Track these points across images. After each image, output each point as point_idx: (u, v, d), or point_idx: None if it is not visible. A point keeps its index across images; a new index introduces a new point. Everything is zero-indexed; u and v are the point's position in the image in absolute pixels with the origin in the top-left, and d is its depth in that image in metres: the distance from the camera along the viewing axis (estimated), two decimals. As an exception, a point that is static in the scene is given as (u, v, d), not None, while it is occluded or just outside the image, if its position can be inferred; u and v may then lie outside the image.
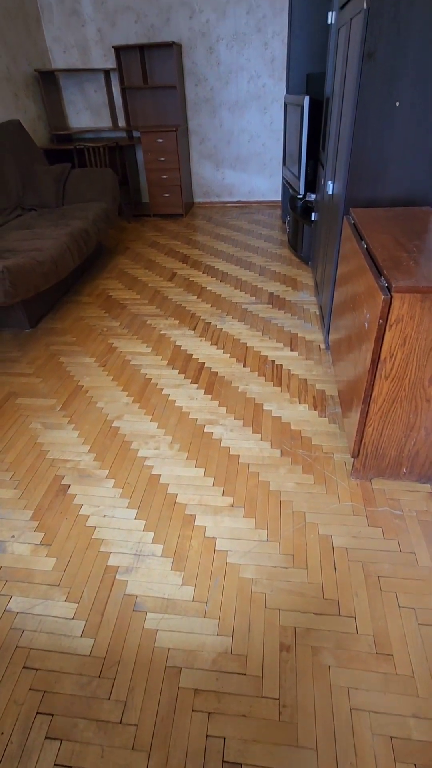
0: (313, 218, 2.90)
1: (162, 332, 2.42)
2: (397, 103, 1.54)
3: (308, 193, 3.00)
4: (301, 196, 3.03)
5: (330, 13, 2.31)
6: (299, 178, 2.97)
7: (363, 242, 1.43)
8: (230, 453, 1.62)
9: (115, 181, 3.34)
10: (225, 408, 1.84)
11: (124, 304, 2.75)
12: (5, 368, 2.15)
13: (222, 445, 1.65)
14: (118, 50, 3.89)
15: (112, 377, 2.05)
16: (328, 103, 2.34)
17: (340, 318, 1.76)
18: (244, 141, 4.43)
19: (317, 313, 2.55)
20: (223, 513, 1.40)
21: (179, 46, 3.94)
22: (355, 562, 1.25)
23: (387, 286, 1.13)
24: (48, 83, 4.04)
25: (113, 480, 1.52)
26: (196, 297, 2.81)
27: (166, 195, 4.26)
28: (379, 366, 1.24)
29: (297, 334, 2.36)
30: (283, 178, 3.71)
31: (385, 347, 1.20)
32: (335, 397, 1.88)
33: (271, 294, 2.80)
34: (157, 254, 3.53)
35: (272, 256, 3.39)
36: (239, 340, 2.32)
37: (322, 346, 2.24)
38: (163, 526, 1.36)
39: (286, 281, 2.97)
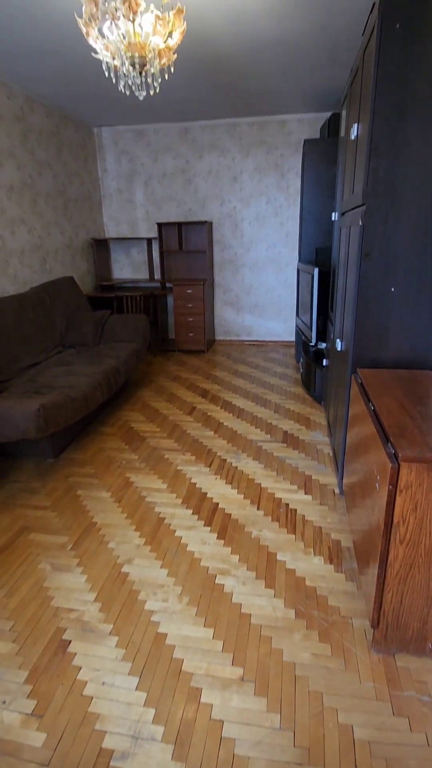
0: (324, 364, 3.16)
1: (179, 468, 2.48)
2: (393, 289, 1.82)
3: (319, 342, 3.31)
4: (313, 344, 3.34)
5: (333, 213, 2.87)
6: (311, 329, 3.32)
7: (370, 404, 1.56)
8: (241, 611, 1.53)
9: (147, 325, 3.79)
10: (237, 556, 1.80)
11: (144, 436, 2.89)
12: (24, 499, 2.20)
13: (233, 601, 1.57)
14: (161, 225, 4.76)
15: (126, 514, 2.06)
16: (335, 273, 2.75)
17: (352, 468, 1.81)
18: (262, 292, 5.06)
19: (330, 455, 2.61)
20: (233, 688, 1.27)
21: (210, 223, 4.80)
22: (379, 759, 1.09)
23: (394, 454, 1.20)
24: (100, 248, 4.87)
25: (117, 637, 1.44)
26: (213, 432, 2.93)
27: (191, 334, 4.74)
28: (393, 530, 1.24)
29: (311, 476, 2.39)
30: (297, 325, 4.13)
31: (396, 512, 1.22)
32: (351, 549, 1.82)
33: (286, 432, 2.91)
34: (178, 388, 3.79)
35: (287, 394, 3.60)
36: (254, 479, 2.36)
37: (336, 491, 2.25)
38: (166, 701, 1.24)
39: (300, 420, 3.10)
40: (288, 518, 2.04)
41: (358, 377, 1.85)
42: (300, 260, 4.06)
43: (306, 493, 2.23)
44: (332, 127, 3.67)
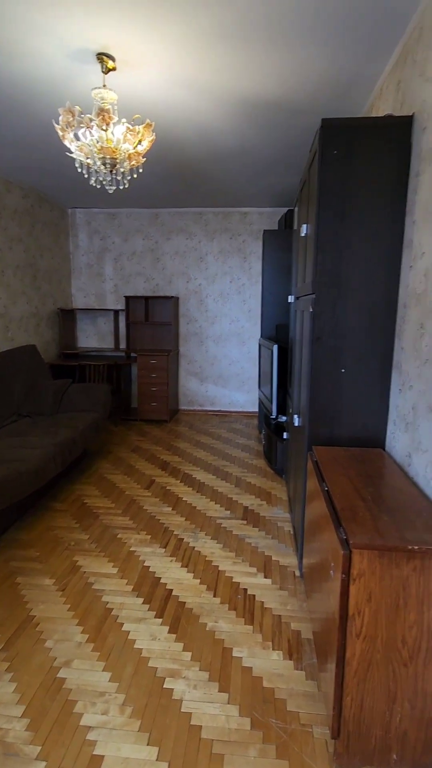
0: (284, 437, 3.19)
1: (132, 549, 2.33)
2: (343, 371, 1.91)
3: (280, 415, 3.37)
4: (273, 417, 3.40)
5: (289, 296, 3.08)
6: (272, 402, 3.39)
7: (324, 484, 1.56)
8: (191, 722, 1.37)
9: (108, 394, 3.76)
10: (190, 653, 1.64)
11: (98, 513, 2.73)
12: None
13: (183, 710, 1.41)
14: (128, 298, 4.93)
15: (69, 605, 1.87)
16: (292, 350, 2.88)
17: (310, 549, 1.76)
18: (225, 364, 5.20)
19: (291, 533, 2.54)
20: None
21: (177, 298, 5.02)
22: None
23: (346, 540, 1.18)
24: (67, 317, 4.94)
25: (44, 763, 1.23)
26: (171, 508, 2.82)
27: (154, 403, 4.73)
28: (348, 623, 1.19)
29: (271, 556, 2.30)
30: (259, 397, 4.22)
31: (351, 602, 1.18)
32: (312, 641, 1.71)
33: (246, 508, 2.84)
34: (138, 459, 3.69)
35: (248, 467, 3.57)
36: (211, 561, 2.24)
37: (297, 573, 2.16)
38: None
39: (261, 494, 3.05)
40: (246, 606, 1.91)
41: (313, 455, 1.87)
42: (262, 335, 4.26)
43: (266, 577, 2.12)
44: (288, 220, 4.07)
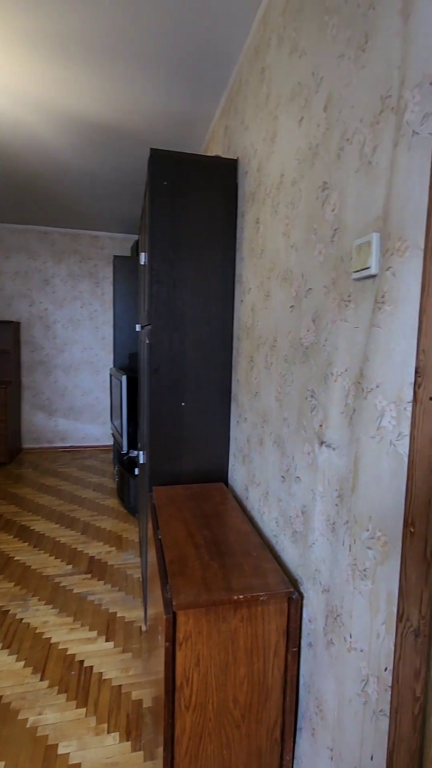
0: (136, 473, 3.01)
1: None
2: (183, 404, 1.84)
3: (131, 450, 3.19)
4: (125, 452, 3.19)
5: (136, 324, 2.98)
6: (122, 436, 3.19)
7: (158, 531, 1.42)
8: None
9: None
10: (3, 763, 1.30)
11: None
12: None
13: None
14: None
15: None
16: (140, 379, 2.75)
17: (151, 600, 1.59)
18: (77, 395, 4.81)
19: (140, 580, 2.34)
20: None
21: (17, 323, 4.49)
22: None
23: (170, 600, 1.05)
24: None
25: None
26: (-3, 572, 2.36)
27: (-10, 444, 4.07)
28: (177, 694, 1.05)
29: (116, 613, 2.05)
30: (111, 431, 3.96)
31: (178, 671, 1.04)
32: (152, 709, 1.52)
33: (92, 558, 2.54)
34: (-38, 513, 3.07)
35: (99, 509, 3.26)
36: (42, 634, 1.89)
37: (143, 627, 1.96)
38: None
39: (110, 539, 2.78)
40: (80, 683, 1.63)
41: (152, 497, 1.73)
42: (114, 365, 4.05)
43: (107, 640, 1.87)
44: (138, 248, 4.03)
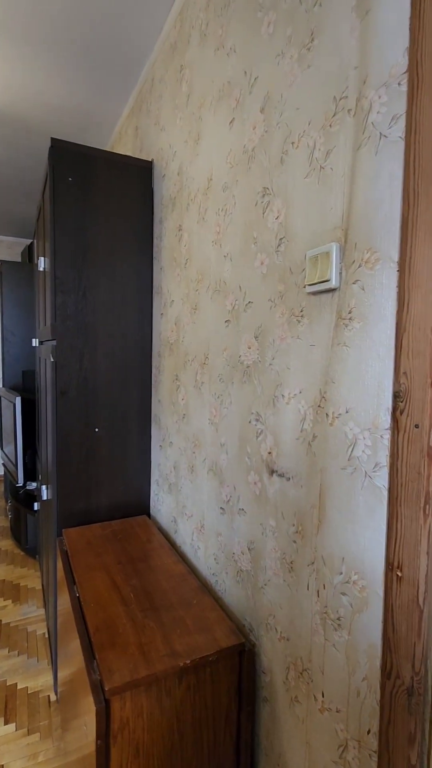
0: (35, 508, 2.62)
1: None
2: (96, 430, 1.62)
3: (28, 482, 2.78)
4: (21, 485, 2.77)
5: (33, 339, 2.62)
6: (17, 467, 2.77)
7: (75, 588, 1.18)
8: None
9: None
10: None
11: None
12: None
13: None
14: None
15: None
16: (40, 403, 2.41)
17: (64, 666, 1.32)
18: (-43, 420, 4.12)
19: (45, 636, 2.00)
20: None
21: None
22: None
23: (100, 682, 0.85)
24: None
25: None
26: None
27: None
28: (114, 803, 0.84)
29: (16, 684, 1.70)
30: (2, 461, 3.45)
31: (115, 771, 0.84)
32: (73, 807, 1.25)
33: (-18, 618, 2.11)
34: None
35: (-11, 553, 2.78)
36: None
37: (53, 697, 1.65)
38: None
39: (5, 591, 2.35)
40: (-29, 793, 1.28)
41: (63, 542, 1.47)
42: (3, 384, 3.55)
43: (7, 722, 1.53)
44: (32, 253, 3.62)
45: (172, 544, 1.50)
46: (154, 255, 1.67)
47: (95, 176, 1.55)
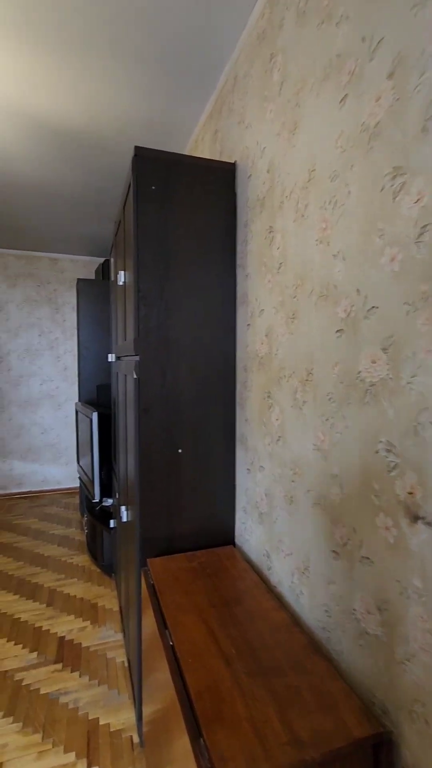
0: (111, 525, 2.59)
1: None
2: (180, 451, 1.51)
3: (104, 498, 2.77)
4: (96, 501, 2.76)
5: (110, 354, 2.62)
6: (93, 482, 2.76)
7: (168, 633, 1.06)
8: None
9: None
10: None
11: None
12: None
13: None
14: None
15: None
16: (116, 418, 2.38)
17: (151, 710, 1.20)
18: (36, 434, 4.30)
19: (125, 665, 1.91)
20: None
21: (-34, 354, 3.98)
22: None
23: (209, 762, 0.70)
24: None
25: None
26: None
27: None
28: None
29: (98, 719, 1.62)
30: (79, 476, 3.51)
31: None
32: None
33: (62, 640, 2.07)
34: None
35: (67, 569, 2.78)
36: (1, 765, 1.42)
37: (135, 737, 1.54)
38: None
39: (84, 611, 2.32)
40: None
41: (148, 574, 1.36)
42: (80, 398, 3.63)
43: (90, 764, 1.44)
44: (105, 271, 3.70)
45: (266, 582, 1.34)
46: (237, 262, 1.55)
47: (178, 183, 1.47)
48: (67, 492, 4.37)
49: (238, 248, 1.55)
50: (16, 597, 2.44)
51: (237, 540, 1.57)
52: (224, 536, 1.57)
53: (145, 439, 1.47)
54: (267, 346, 1.33)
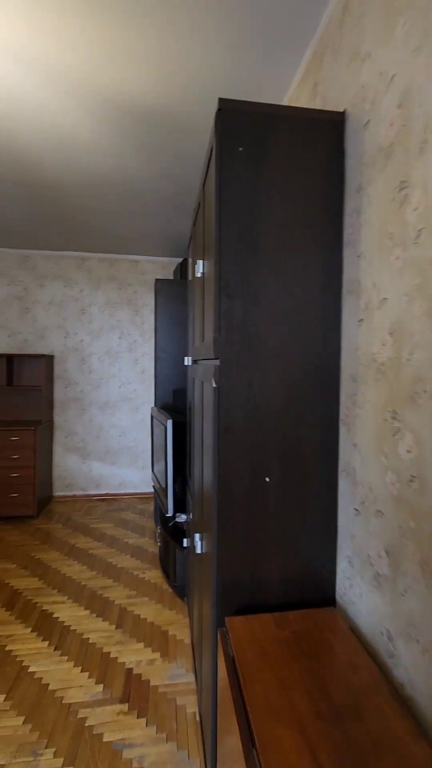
0: (185, 544, 2.36)
1: None
2: (267, 479, 1.20)
3: (178, 514, 2.55)
4: (170, 515, 2.56)
5: (186, 357, 2.40)
6: (167, 495, 2.56)
7: (254, 755, 0.75)
8: None
9: None
10: None
11: None
12: None
13: None
14: (-16, 356, 3.84)
15: None
16: (191, 427, 2.15)
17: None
18: (114, 435, 4.28)
19: (196, 719, 1.65)
20: None
21: (50, 357, 4.07)
22: None
23: None
24: None
25: None
26: (2, 698, 1.73)
27: (15, 494, 3.56)
28: None
29: (164, 790, 1.37)
30: (153, 486, 3.36)
31: None
32: None
33: (130, 673, 1.88)
34: (-26, 591, 2.51)
35: (139, 585, 2.62)
36: None
37: None
38: None
39: (153, 639, 2.11)
40: None
41: (227, 641, 1.07)
42: (156, 403, 3.49)
43: None
44: (183, 270, 3.53)
45: (387, 675, 0.97)
46: (345, 240, 1.20)
47: (271, 142, 1.16)
48: (143, 497, 4.28)
49: (346, 221, 1.20)
50: (87, 612, 2.32)
51: (339, 599, 1.22)
52: (321, 591, 1.23)
53: (224, 464, 1.18)
54: (392, 348, 0.97)
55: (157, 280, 3.44)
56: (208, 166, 1.33)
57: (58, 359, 4.18)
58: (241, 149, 1.14)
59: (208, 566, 1.32)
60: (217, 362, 1.18)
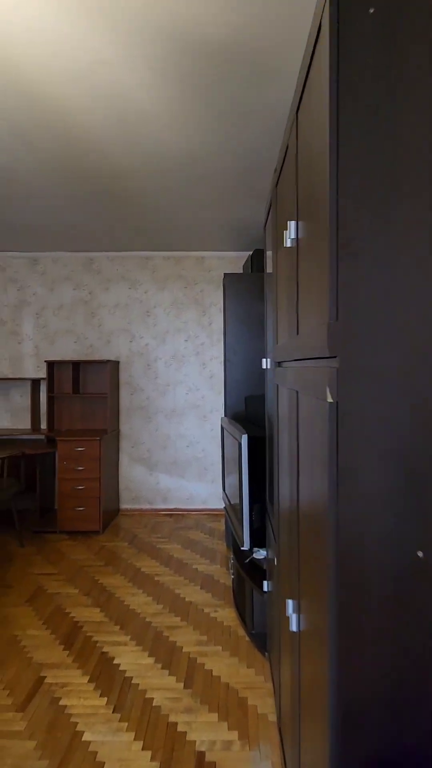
0: (265, 588, 1.93)
1: None
2: (420, 554, 0.74)
3: (256, 549, 2.12)
4: (246, 548, 2.14)
5: (264, 359, 1.98)
6: (242, 525, 2.15)
7: None
8: None
9: (10, 497, 2.42)
10: None
11: None
12: None
13: None
14: (51, 364, 3.74)
15: None
16: (272, 444, 1.73)
17: None
18: (181, 446, 3.98)
19: None
20: None
21: (116, 362, 3.88)
22: None
23: None
24: (-35, 387, 3.67)
25: None
26: (50, 763, 1.43)
27: (81, 508, 3.38)
28: None
29: None
30: (225, 508, 2.98)
31: None
32: None
33: (201, 760, 1.48)
34: (30, 621, 2.28)
35: (210, 628, 2.23)
36: None
37: None
38: None
39: (229, 709, 1.70)
40: None
41: None
42: (226, 412, 3.11)
43: None
44: (255, 263, 3.12)
45: None
46: None
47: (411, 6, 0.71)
48: (213, 513, 3.92)
49: None
50: (151, 661, 1.97)
51: None
52: None
53: (346, 527, 0.74)
54: None
55: (225, 275, 3.07)
56: (314, 50, 0.90)
57: (123, 365, 3.98)
58: (372, 11, 0.70)
59: (321, 681, 0.88)
60: (333, 363, 0.75)
